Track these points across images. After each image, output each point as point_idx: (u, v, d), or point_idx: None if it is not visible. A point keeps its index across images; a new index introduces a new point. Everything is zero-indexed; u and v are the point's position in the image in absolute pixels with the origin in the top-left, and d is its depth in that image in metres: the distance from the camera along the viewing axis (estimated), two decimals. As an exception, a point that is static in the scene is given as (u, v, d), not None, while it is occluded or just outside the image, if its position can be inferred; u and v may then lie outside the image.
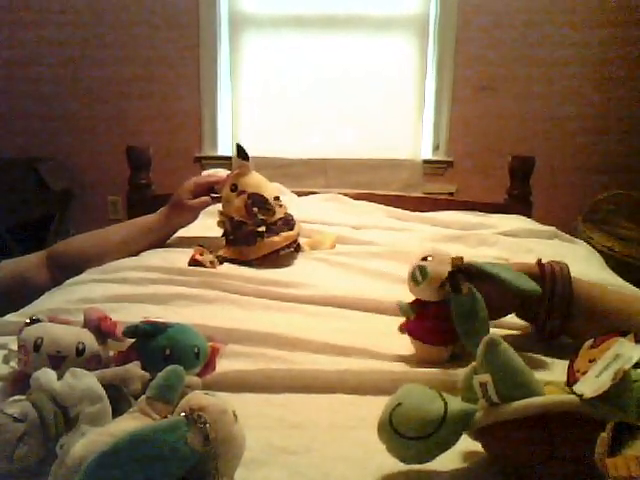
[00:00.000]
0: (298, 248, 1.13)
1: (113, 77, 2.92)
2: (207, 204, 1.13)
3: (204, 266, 0.99)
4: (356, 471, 0.47)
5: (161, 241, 1.14)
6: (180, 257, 1.05)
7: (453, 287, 0.65)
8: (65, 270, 0.98)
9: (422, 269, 0.66)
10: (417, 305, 0.70)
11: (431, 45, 2.90)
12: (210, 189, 1.14)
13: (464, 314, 0.65)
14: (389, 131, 2.93)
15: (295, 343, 0.70)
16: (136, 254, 1.07)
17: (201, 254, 1.02)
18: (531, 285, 0.65)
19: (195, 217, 1.16)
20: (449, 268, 0.66)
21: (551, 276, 0.70)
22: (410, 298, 0.71)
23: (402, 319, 0.72)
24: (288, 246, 1.06)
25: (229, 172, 1.14)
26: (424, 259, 0.68)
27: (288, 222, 1.08)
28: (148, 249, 1.10)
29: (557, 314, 0.70)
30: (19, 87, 2.94)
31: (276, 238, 1.04)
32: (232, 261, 1.05)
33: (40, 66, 2.91)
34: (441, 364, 0.67)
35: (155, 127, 2.94)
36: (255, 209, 1.04)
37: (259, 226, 1.03)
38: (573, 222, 2.68)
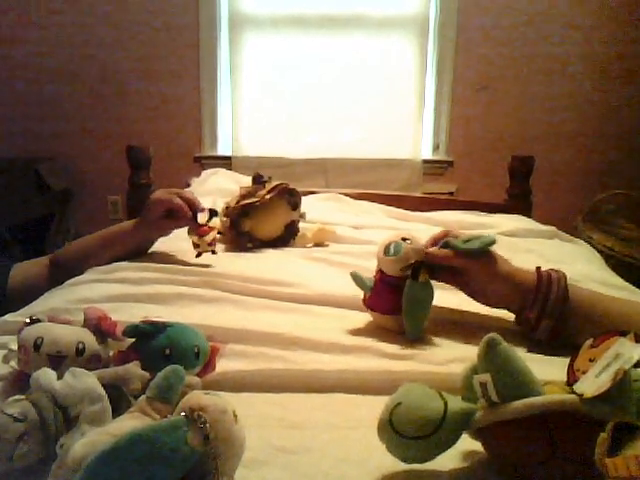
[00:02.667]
0: (296, 232, 1.24)
1: (113, 77, 2.92)
2: (178, 227, 1.06)
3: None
4: (356, 471, 0.47)
5: (132, 252, 1.06)
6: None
7: (412, 274, 0.73)
8: (65, 273, 0.97)
9: (398, 246, 0.75)
10: (379, 279, 0.77)
11: (431, 45, 2.90)
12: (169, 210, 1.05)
13: (413, 299, 0.73)
14: (389, 131, 2.93)
15: (295, 342, 0.70)
16: (109, 262, 1.01)
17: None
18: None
19: (164, 234, 1.09)
20: (418, 257, 0.74)
21: (546, 285, 0.71)
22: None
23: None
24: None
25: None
26: (404, 239, 0.76)
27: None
28: (118, 259, 1.03)
29: (549, 319, 0.70)
30: (19, 87, 2.94)
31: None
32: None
33: (40, 66, 2.91)
34: (396, 330, 0.75)
35: (155, 127, 2.94)
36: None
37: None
38: (573, 222, 2.68)
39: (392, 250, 0.75)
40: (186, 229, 1.05)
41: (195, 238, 1.02)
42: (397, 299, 0.74)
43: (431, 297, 0.75)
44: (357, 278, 0.80)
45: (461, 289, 0.79)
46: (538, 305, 0.71)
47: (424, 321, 0.75)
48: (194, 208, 1.04)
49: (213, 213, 1.07)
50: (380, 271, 0.78)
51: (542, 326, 0.71)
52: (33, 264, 1.07)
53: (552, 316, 0.70)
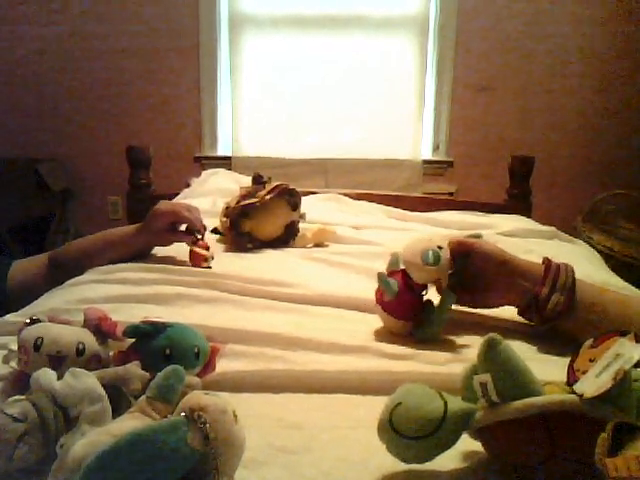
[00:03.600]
0: (296, 233, 1.23)
1: (113, 77, 2.92)
2: (182, 241, 1.06)
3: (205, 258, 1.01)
4: (356, 471, 0.47)
5: (132, 255, 1.06)
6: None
7: (451, 285, 0.74)
8: (64, 272, 0.98)
9: (436, 255, 0.72)
10: (404, 285, 0.75)
11: (431, 45, 2.90)
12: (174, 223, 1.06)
13: (445, 308, 0.74)
14: (389, 131, 2.92)
15: (294, 343, 0.70)
16: (108, 263, 1.01)
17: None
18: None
19: (165, 244, 1.09)
20: (451, 267, 0.75)
21: (556, 267, 0.74)
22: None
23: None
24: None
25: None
26: (439, 247, 0.74)
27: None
28: (120, 260, 1.03)
29: (560, 293, 0.71)
30: (19, 87, 2.94)
31: None
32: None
33: (40, 66, 2.91)
34: (402, 334, 0.75)
35: (155, 127, 2.94)
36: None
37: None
38: (573, 222, 2.68)
39: (431, 259, 0.71)
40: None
41: (197, 249, 1.02)
42: (417, 306, 0.75)
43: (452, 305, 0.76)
44: (384, 281, 0.74)
45: (468, 302, 0.80)
46: (549, 280, 0.72)
47: (442, 326, 0.76)
48: (198, 226, 1.05)
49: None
50: (405, 276, 0.75)
51: (552, 300, 0.71)
52: (32, 262, 1.07)
53: (563, 289, 0.71)
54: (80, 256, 1.04)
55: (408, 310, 0.75)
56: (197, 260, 1.02)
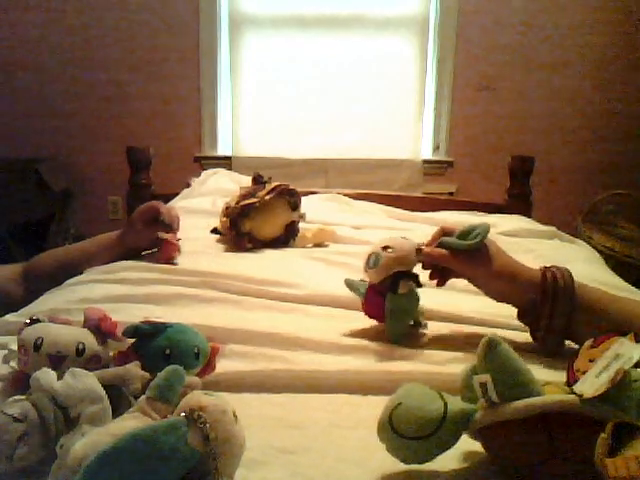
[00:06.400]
0: (296, 233, 1.23)
1: (113, 77, 2.92)
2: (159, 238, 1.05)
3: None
4: (356, 471, 0.47)
5: (122, 258, 1.06)
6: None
7: (391, 286, 0.71)
8: (39, 283, 0.96)
9: (377, 257, 0.72)
10: (369, 286, 0.76)
11: (431, 45, 2.90)
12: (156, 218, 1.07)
13: (393, 310, 0.72)
14: (389, 131, 2.93)
15: (295, 343, 0.70)
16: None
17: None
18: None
19: (148, 244, 1.08)
20: (400, 266, 0.72)
21: (552, 280, 0.69)
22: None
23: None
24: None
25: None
26: (385, 248, 0.73)
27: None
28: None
29: (560, 312, 0.68)
30: (19, 87, 2.94)
31: None
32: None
33: (40, 66, 2.91)
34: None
35: (155, 127, 2.94)
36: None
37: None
38: (573, 222, 2.68)
39: (371, 262, 0.73)
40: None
41: (170, 239, 1.03)
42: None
43: (413, 305, 0.74)
44: (350, 285, 0.80)
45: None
46: (544, 322, 0.69)
47: (405, 328, 0.74)
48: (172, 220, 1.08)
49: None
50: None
51: (549, 341, 0.69)
52: (4, 269, 1.04)
53: (562, 315, 0.68)
54: (55, 270, 1.01)
55: (379, 310, 0.74)
56: (171, 251, 1.02)
